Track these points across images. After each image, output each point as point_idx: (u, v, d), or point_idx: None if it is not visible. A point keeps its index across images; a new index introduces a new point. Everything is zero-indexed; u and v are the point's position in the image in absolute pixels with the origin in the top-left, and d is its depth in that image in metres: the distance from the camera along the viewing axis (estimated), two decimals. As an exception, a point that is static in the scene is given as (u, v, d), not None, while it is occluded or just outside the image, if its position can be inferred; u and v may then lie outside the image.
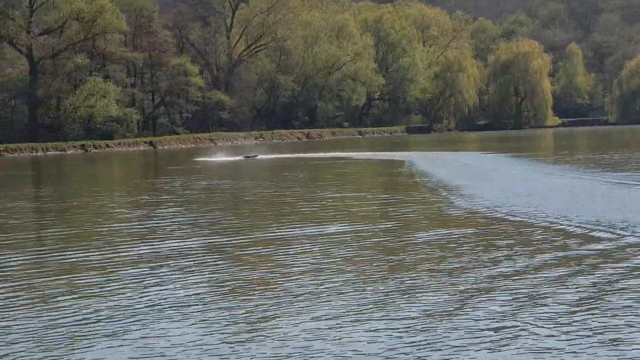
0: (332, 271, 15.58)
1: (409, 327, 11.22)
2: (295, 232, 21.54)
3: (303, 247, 18.82)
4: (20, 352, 10.70)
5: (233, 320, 12.01)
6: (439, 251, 17.52)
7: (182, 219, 25.81)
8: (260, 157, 67.88)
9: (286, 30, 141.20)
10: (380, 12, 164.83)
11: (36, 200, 37.30)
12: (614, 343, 10.18)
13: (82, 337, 11.32)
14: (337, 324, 11.49)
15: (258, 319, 12.02)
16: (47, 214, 30.38)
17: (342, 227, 22.03)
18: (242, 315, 12.26)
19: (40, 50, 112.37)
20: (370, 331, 11.09)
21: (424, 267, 15.62)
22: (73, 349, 10.77)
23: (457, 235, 19.74)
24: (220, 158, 69.73)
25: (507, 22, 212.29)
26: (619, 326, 10.92)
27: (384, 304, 12.66)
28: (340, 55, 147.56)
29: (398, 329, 11.18)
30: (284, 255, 17.73)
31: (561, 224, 20.67)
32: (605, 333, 10.61)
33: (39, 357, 10.44)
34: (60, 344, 11.03)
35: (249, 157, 66.55)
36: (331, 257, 17.14)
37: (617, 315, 11.47)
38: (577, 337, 10.49)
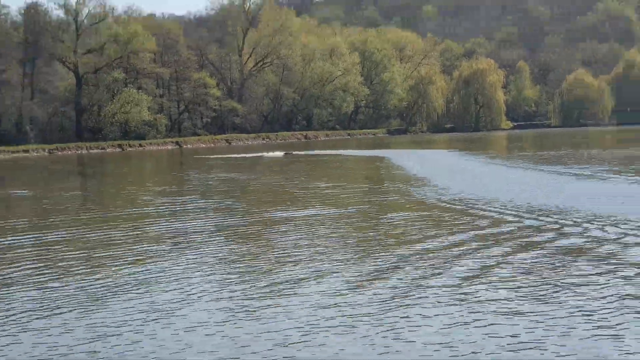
0: (313, 247, 15.66)
1: (374, 301, 11.28)
2: (284, 214, 21.69)
3: (288, 227, 18.93)
4: (48, 312, 10.76)
5: (233, 292, 12.08)
6: (407, 233, 17.58)
7: (202, 204, 25.91)
8: (295, 153, 67.95)
9: (288, 50, 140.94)
10: (366, 36, 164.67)
11: (81, 189, 37.31)
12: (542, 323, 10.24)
13: (100, 302, 11.38)
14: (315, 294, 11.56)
15: (252, 292, 12.08)
16: (89, 200, 30.41)
17: (325, 211, 22.15)
18: (241, 289, 12.32)
19: (84, 66, 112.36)
20: (347, 304, 11.15)
21: (392, 246, 15.68)
22: (92, 315, 10.83)
23: (423, 220, 19.82)
24: (262, 154, 69.64)
25: (468, 43, 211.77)
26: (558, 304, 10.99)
27: (358, 281, 12.72)
28: (332, 70, 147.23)
29: (365, 302, 11.25)
30: (273, 234, 17.87)
31: (511, 211, 20.75)
32: (533, 309, 10.67)
33: (63, 319, 10.51)
34: (83, 310, 11.09)
35: (288, 153, 66.45)
36: (313, 235, 17.22)
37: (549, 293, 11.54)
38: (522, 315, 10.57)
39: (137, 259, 14.82)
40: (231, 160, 62.15)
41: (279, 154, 67.56)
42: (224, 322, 9.89)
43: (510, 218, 18.76)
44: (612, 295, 10.44)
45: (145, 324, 9.97)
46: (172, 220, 21.29)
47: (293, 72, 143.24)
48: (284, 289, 11.60)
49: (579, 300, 10.25)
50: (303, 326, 9.52)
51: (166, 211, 24.09)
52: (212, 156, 72.67)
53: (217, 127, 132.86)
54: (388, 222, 19.01)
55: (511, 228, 17.12)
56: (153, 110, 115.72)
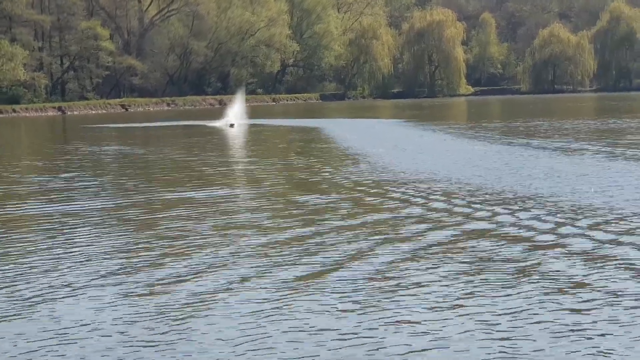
0: (202, 237, 15.90)
1: (279, 288, 11.57)
2: (185, 194, 21.87)
3: (183, 210, 19.07)
4: None
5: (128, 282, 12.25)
6: (326, 214, 17.89)
7: (86, 183, 25.88)
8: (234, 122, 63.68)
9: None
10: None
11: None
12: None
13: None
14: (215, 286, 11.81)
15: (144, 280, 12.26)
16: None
17: (227, 192, 22.41)
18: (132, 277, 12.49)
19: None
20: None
21: (310, 229, 15.95)
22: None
23: (350, 200, 20.14)
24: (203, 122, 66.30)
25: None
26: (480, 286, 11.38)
27: (261, 271, 12.98)
28: (254, 21, 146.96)
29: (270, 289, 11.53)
30: (166, 219, 17.97)
31: (455, 196, 21.18)
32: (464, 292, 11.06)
33: None
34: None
35: (233, 124, 61.71)
36: (206, 222, 17.41)
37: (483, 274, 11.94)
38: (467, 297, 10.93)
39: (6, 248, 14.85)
40: (136, 131, 61.78)
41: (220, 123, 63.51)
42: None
43: (451, 203, 19.15)
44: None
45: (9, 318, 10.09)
46: (45, 201, 21.24)
47: (205, 22, 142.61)
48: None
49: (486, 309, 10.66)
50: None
51: (39, 190, 24.00)
52: (105, 125, 72.17)
53: (110, 88, 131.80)
54: (303, 207, 19.26)
55: (444, 216, 17.51)
56: (30, 67, 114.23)
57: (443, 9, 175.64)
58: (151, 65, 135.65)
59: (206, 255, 13.68)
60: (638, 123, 51.35)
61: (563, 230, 15.10)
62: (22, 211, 19.80)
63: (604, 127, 48.22)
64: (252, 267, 12.60)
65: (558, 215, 16.72)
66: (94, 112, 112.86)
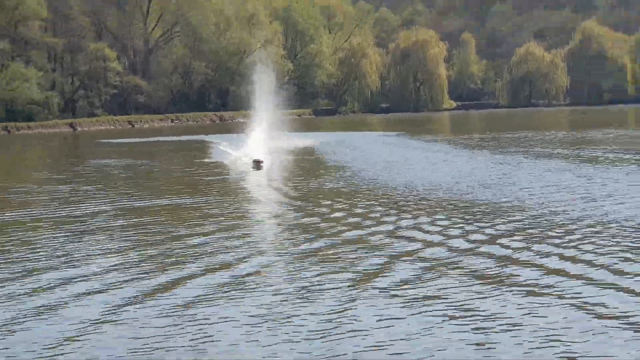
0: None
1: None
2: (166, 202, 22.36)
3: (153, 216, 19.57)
4: None
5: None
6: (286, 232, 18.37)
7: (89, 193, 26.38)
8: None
9: (199, 17, 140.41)
10: (290, 1, 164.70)
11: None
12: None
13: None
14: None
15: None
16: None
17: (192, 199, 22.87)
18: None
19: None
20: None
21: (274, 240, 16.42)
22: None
23: (319, 208, 20.61)
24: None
25: (405, 12, 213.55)
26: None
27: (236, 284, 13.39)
28: (251, 42, 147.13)
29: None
30: (152, 224, 18.44)
31: (432, 201, 21.67)
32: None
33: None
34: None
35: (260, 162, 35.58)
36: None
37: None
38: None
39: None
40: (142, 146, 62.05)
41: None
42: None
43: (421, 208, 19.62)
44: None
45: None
46: (52, 207, 21.70)
47: (206, 43, 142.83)
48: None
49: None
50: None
51: (51, 197, 24.49)
52: (113, 140, 72.50)
53: (117, 106, 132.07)
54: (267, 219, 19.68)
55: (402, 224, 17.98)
56: (44, 87, 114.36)
57: (426, 29, 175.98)
58: (155, 85, 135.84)
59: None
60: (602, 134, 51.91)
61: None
62: (31, 215, 20.33)
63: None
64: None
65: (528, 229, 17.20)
66: (102, 127, 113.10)
